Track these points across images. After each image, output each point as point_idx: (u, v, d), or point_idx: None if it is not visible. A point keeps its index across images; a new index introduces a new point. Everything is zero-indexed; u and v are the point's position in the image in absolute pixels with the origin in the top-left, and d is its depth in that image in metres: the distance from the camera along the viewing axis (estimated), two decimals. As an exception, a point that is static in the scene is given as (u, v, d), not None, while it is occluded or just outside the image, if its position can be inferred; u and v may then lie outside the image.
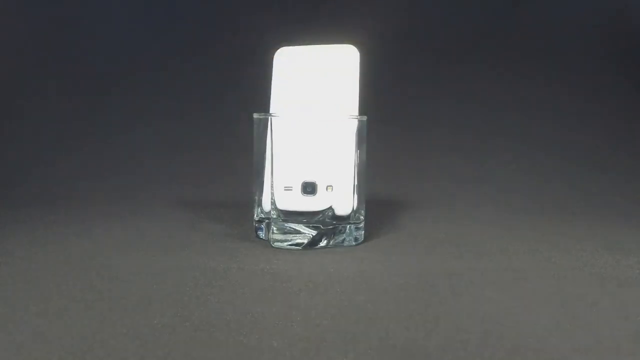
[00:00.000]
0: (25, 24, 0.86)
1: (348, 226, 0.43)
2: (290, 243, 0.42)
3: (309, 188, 0.41)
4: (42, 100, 0.84)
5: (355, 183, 0.42)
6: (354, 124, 0.42)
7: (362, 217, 0.43)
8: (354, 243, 0.43)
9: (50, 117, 0.83)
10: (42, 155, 0.77)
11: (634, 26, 0.88)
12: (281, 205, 0.41)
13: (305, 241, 0.42)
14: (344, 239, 0.43)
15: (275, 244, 0.42)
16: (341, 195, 0.42)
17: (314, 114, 0.43)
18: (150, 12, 0.89)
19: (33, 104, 0.84)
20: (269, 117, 0.41)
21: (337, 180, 0.42)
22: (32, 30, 0.86)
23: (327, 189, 0.41)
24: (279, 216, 0.42)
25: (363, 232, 0.44)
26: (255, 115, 0.43)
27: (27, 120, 0.82)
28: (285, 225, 0.42)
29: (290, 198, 0.41)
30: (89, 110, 0.84)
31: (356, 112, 0.43)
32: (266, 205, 0.43)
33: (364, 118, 0.42)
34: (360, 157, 0.42)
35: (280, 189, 0.41)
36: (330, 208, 0.42)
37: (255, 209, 0.44)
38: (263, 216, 0.44)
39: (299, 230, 0.42)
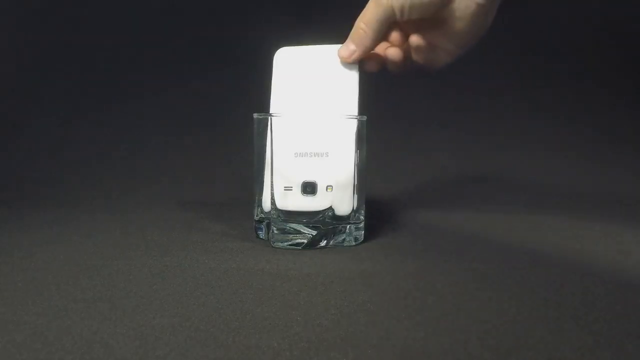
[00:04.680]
0: (19, 24, 0.86)
1: (348, 226, 0.43)
2: (290, 243, 0.42)
3: (309, 188, 0.41)
4: (42, 100, 0.84)
5: (355, 183, 0.42)
6: (354, 124, 0.42)
7: (362, 217, 0.43)
8: (354, 243, 0.43)
9: (50, 116, 0.83)
10: (42, 155, 0.77)
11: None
12: (281, 205, 0.41)
13: (305, 241, 0.42)
14: (344, 239, 0.43)
15: (275, 244, 0.42)
16: (341, 195, 0.42)
17: (314, 114, 0.43)
18: (149, 11, 0.89)
19: (32, 104, 0.84)
20: (269, 118, 0.41)
21: (337, 180, 0.42)
22: (25, 29, 0.86)
23: (327, 189, 0.41)
24: (279, 216, 0.42)
25: (363, 232, 0.43)
26: (256, 115, 0.43)
27: (26, 120, 0.82)
28: (285, 225, 0.42)
29: (290, 198, 0.41)
30: (88, 110, 0.84)
31: (356, 111, 0.43)
32: (266, 204, 0.43)
33: (364, 118, 0.42)
34: (360, 157, 0.42)
35: (280, 189, 0.41)
36: (330, 208, 0.42)
37: (255, 209, 0.44)
38: (263, 216, 0.44)
39: (299, 230, 0.42)
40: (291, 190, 0.41)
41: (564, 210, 0.58)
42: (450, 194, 0.68)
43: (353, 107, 0.43)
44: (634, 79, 0.88)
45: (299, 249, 0.42)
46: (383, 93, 0.76)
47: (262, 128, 0.43)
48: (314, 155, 0.41)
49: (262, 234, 0.44)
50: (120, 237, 0.46)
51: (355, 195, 0.42)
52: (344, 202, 0.42)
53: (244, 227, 0.49)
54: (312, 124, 0.42)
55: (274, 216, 0.41)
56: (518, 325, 0.28)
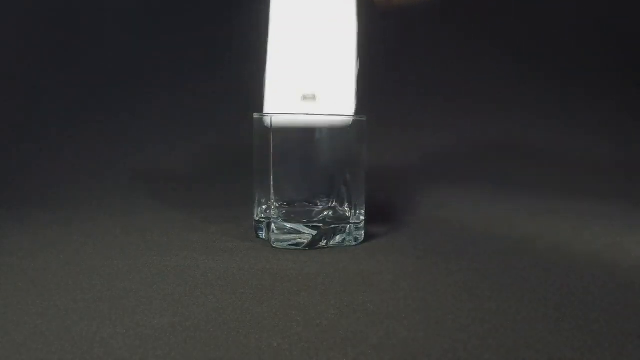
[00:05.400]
0: (19, 24, 0.86)
1: (348, 226, 0.43)
2: (290, 243, 0.42)
3: (308, 94, 0.41)
4: (41, 99, 0.84)
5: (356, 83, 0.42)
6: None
7: (362, 217, 0.43)
8: (354, 243, 0.43)
9: (50, 116, 0.83)
10: (41, 155, 0.77)
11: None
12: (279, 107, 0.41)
13: (305, 241, 0.42)
14: (344, 239, 0.43)
15: (275, 244, 0.42)
16: (341, 95, 0.42)
17: (314, 113, 0.43)
18: (146, 11, 0.89)
19: (32, 103, 0.83)
20: (269, 117, 0.41)
21: (337, 80, 0.41)
22: (25, 29, 0.86)
23: (327, 92, 0.41)
24: (279, 216, 0.42)
25: (363, 232, 0.44)
26: (255, 115, 0.43)
27: (26, 120, 0.82)
28: (286, 225, 0.42)
29: (289, 101, 0.41)
30: (88, 109, 0.84)
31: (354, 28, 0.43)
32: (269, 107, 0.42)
33: (364, 118, 0.42)
34: (360, 157, 0.42)
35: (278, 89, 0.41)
36: (331, 208, 0.42)
37: (255, 209, 0.44)
38: (263, 216, 0.44)
39: (299, 230, 0.42)
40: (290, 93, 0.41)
41: (563, 210, 0.58)
42: (450, 194, 0.68)
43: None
44: (635, 79, 0.88)
45: (299, 249, 0.42)
46: (383, 93, 0.76)
47: (262, 128, 0.42)
48: (313, 58, 0.41)
49: (262, 234, 0.44)
50: (120, 237, 0.46)
51: (355, 92, 0.42)
52: (344, 101, 0.42)
53: (244, 227, 0.49)
54: (312, 27, 0.42)
55: (274, 216, 0.41)
56: (518, 325, 0.28)
